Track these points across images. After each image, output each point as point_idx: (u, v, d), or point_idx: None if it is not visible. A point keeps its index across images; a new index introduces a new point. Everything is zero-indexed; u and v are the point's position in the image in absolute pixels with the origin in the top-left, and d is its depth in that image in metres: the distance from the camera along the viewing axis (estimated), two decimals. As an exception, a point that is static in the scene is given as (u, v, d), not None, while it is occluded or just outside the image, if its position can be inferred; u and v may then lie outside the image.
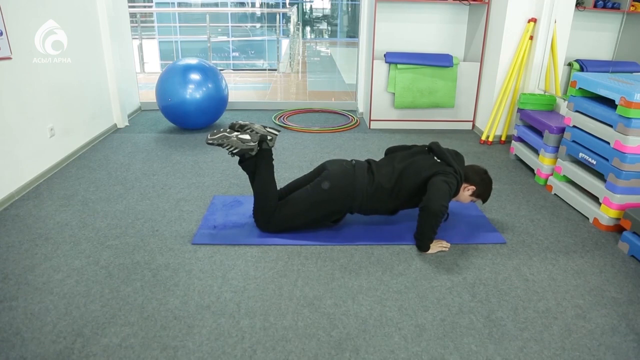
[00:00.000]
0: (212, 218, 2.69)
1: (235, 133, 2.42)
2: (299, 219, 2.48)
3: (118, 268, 2.20)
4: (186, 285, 2.08)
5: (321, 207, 2.45)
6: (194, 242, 2.44)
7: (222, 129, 2.44)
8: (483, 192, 2.52)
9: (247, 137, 2.40)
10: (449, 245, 2.42)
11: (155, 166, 3.50)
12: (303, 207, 2.45)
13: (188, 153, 3.78)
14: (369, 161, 2.56)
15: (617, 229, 2.62)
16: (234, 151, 2.39)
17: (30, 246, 2.38)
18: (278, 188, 2.56)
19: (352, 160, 2.58)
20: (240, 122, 2.50)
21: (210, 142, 2.38)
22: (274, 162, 2.53)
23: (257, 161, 2.47)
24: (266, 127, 2.52)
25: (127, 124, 4.59)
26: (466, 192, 2.51)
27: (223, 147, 2.39)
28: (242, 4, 14.00)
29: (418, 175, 2.43)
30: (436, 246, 2.39)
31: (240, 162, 2.51)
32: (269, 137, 2.46)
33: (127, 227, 2.58)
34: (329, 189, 2.40)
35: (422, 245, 2.37)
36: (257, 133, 2.44)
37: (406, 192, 2.44)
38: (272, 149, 2.50)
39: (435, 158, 2.51)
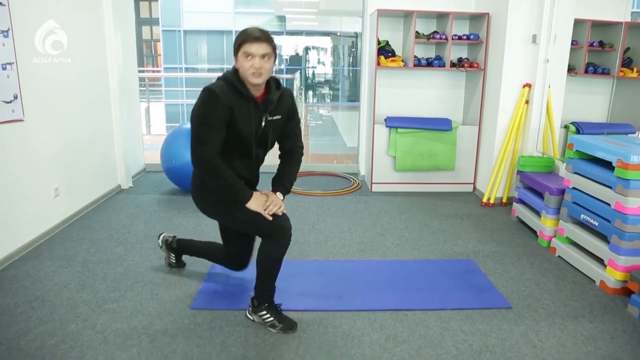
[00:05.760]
0: (212, 282, 2.66)
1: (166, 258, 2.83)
2: (239, 224, 2.29)
3: (114, 333, 2.14)
4: (184, 352, 2.02)
5: (230, 215, 2.25)
6: (193, 306, 2.39)
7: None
8: (241, 36, 2.06)
9: (164, 253, 2.85)
10: (279, 203, 2.17)
11: (157, 228, 3.50)
12: (231, 222, 2.33)
13: (190, 215, 3.79)
14: None
15: (625, 291, 2.56)
16: (173, 264, 2.81)
17: (25, 309, 2.33)
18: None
19: None
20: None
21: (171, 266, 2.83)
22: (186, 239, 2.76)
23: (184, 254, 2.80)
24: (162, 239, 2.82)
25: (131, 185, 4.64)
26: (239, 63, 2.08)
27: (177, 262, 2.82)
28: (247, 70, 14.51)
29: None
30: (261, 202, 2.13)
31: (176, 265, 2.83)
32: (168, 240, 2.77)
33: (126, 290, 2.54)
34: (215, 216, 2.36)
35: (230, 192, 2.10)
36: (160, 247, 2.81)
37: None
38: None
39: None
